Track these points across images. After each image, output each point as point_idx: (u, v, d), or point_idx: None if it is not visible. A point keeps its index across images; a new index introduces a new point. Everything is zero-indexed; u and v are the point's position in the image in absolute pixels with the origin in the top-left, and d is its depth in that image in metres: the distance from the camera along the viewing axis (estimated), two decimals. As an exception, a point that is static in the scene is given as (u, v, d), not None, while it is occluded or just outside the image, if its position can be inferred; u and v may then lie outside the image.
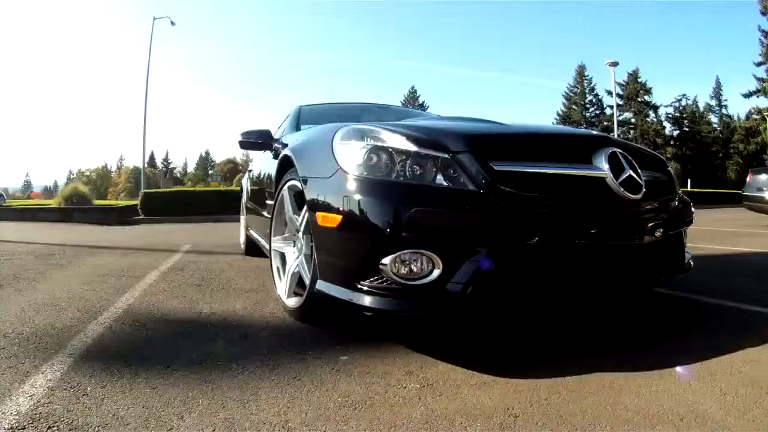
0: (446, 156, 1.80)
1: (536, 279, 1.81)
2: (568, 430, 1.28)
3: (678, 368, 1.64)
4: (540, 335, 2.11)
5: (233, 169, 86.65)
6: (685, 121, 49.92)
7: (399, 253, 1.70)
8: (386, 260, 1.71)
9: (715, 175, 45.14)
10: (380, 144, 1.88)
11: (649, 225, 1.99)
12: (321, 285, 1.97)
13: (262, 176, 3.88)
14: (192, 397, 1.49)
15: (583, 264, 1.89)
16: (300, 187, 2.23)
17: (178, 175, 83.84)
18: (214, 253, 5.27)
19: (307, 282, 2.16)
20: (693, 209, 2.52)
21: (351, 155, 1.91)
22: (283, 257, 2.60)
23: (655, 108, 49.55)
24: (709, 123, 50.72)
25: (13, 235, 7.66)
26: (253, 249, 4.62)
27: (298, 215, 2.34)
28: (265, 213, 3.32)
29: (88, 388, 1.53)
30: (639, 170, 2.04)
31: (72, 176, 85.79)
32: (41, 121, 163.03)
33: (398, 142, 1.86)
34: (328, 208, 1.91)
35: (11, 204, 20.15)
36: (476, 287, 1.70)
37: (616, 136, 28.80)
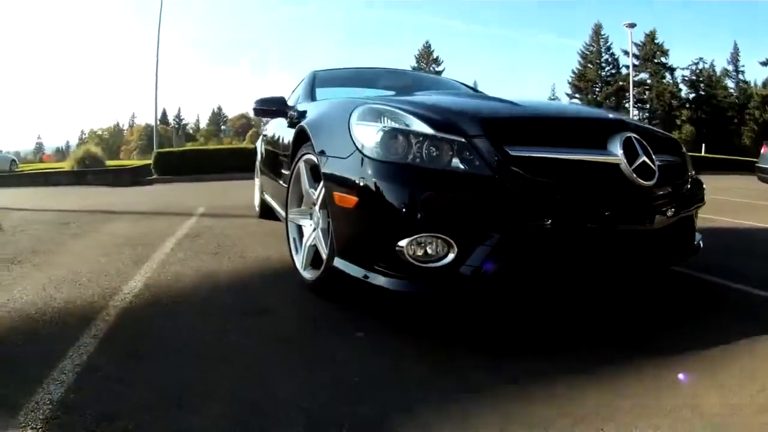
0: (462, 140, 1.82)
1: (548, 263, 1.85)
2: (570, 419, 1.33)
3: (680, 375, 1.63)
4: (544, 321, 2.12)
5: (246, 125, 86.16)
6: (702, 85, 48.90)
7: (415, 236, 1.75)
8: (403, 242, 1.76)
9: (730, 141, 44.35)
10: (397, 126, 1.89)
11: (661, 210, 2.00)
12: (338, 263, 2.03)
13: (277, 140, 3.88)
14: (214, 379, 1.55)
15: (595, 248, 1.92)
16: (316, 161, 2.26)
17: (191, 131, 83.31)
18: (228, 216, 5.35)
19: (324, 256, 2.23)
20: (705, 188, 2.53)
21: (368, 136, 1.93)
22: (299, 229, 2.65)
23: (672, 70, 48.67)
24: (726, 88, 49.47)
25: (27, 203, 7.63)
26: (267, 212, 4.65)
27: (315, 189, 2.37)
28: (280, 182, 3.34)
29: (115, 373, 1.60)
30: (653, 156, 2.03)
31: (84, 136, 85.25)
32: (51, 82, 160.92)
33: (415, 124, 1.88)
34: (345, 188, 1.95)
35: (23, 169, 20.15)
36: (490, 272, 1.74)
37: (631, 96, 28.51)
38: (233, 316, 2.12)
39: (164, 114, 74.32)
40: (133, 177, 13.35)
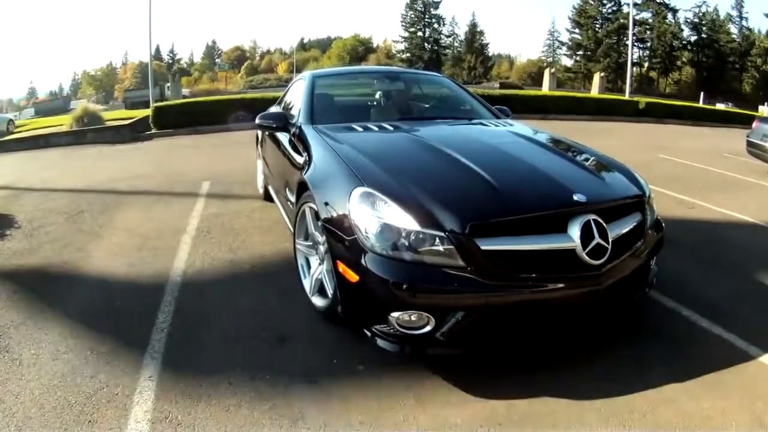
0: (442, 234, 2.19)
1: (504, 329, 2.31)
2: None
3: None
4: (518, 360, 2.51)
5: (241, 57, 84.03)
6: (704, 28, 48.62)
7: (404, 312, 2.21)
8: (395, 314, 2.22)
9: (729, 86, 44.57)
10: (388, 223, 2.25)
11: (611, 279, 2.34)
12: (342, 312, 2.51)
13: (278, 143, 4.08)
14: (257, 419, 2.06)
15: (547, 314, 2.35)
16: (317, 209, 2.64)
17: (185, 66, 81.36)
18: (233, 197, 5.70)
19: (329, 293, 2.65)
20: (663, 233, 2.87)
21: (366, 224, 2.30)
22: (307, 258, 3.02)
23: (674, 11, 48.41)
24: (728, 33, 49.27)
25: (33, 176, 7.72)
26: (270, 195, 4.91)
27: (320, 234, 2.70)
28: (286, 192, 3.62)
29: (179, 416, 2.07)
30: (609, 234, 2.33)
31: (77, 78, 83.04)
32: (41, 26, 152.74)
33: (403, 218, 2.23)
34: (348, 264, 2.34)
35: (21, 127, 19.25)
36: (459, 336, 2.23)
37: (630, 35, 27.72)
38: (260, 349, 2.57)
39: (158, 50, 72.10)
40: (132, 133, 13.23)
